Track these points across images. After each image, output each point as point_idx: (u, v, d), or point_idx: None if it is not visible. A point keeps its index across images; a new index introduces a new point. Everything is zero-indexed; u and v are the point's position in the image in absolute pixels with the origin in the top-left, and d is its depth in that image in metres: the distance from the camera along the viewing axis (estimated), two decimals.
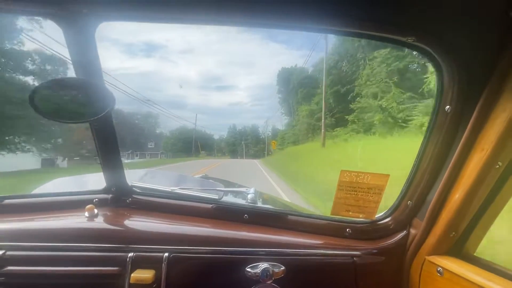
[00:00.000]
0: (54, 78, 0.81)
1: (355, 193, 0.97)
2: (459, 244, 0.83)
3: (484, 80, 0.70)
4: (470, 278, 0.70)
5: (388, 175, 0.95)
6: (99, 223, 0.98)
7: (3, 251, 0.85)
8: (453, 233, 0.81)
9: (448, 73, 0.74)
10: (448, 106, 0.77)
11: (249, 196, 1.26)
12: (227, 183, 1.98)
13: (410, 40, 0.72)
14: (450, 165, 0.78)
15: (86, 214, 0.97)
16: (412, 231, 0.94)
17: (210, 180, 1.89)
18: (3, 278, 0.84)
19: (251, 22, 0.73)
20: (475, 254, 0.85)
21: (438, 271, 0.79)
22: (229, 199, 1.37)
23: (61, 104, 0.81)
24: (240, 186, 1.82)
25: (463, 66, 0.72)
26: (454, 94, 0.75)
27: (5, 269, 0.84)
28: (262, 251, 0.92)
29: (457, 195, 0.77)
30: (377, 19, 0.70)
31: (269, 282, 0.88)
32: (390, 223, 0.99)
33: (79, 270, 0.86)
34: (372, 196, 0.97)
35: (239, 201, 1.30)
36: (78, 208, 1.02)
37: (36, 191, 1.48)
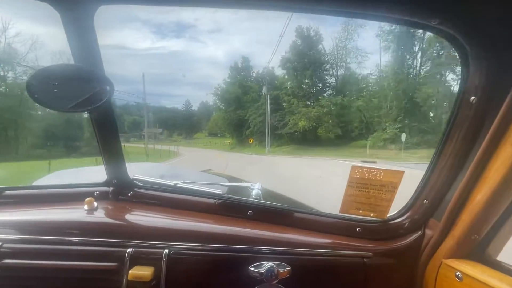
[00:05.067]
0: (52, 65, 0.77)
1: (367, 190, 0.92)
2: (481, 247, 0.77)
3: None
4: (493, 284, 0.64)
5: (402, 172, 0.89)
6: (98, 217, 0.95)
7: (0, 243, 0.83)
8: (475, 235, 0.74)
9: (475, 59, 0.68)
10: (473, 97, 0.71)
11: (254, 191, 1.22)
12: (231, 179, 1.95)
13: (433, 23, 0.66)
14: (474, 161, 0.71)
15: (85, 207, 0.94)
16: (428, 232, 0.88)
17: (214, 175, 1.85)
18: None
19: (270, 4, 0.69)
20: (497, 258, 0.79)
21: (457, 276, 0.74)
22: (233, 194, 1.33)
23: (59, 92, 0.78)
24: (245, 181, 1.78)
25: (492, 51, 0.65)
26: (481, 83, 0.68)
27: (2, 262, 0.82)
28: (267, 249, 0.88)
29: (480, 195, 0.71)
30: (400, 2, 0.64)
31: (274, 282, 0.84)
32: (403, 223, 0.93)
33: (76, 264, 0.83)
34: (384, 194, 0.91)
35: (244, 196, 1.25)
36: (78, 200, 0.99)
37: (37, 182, 1.46)
